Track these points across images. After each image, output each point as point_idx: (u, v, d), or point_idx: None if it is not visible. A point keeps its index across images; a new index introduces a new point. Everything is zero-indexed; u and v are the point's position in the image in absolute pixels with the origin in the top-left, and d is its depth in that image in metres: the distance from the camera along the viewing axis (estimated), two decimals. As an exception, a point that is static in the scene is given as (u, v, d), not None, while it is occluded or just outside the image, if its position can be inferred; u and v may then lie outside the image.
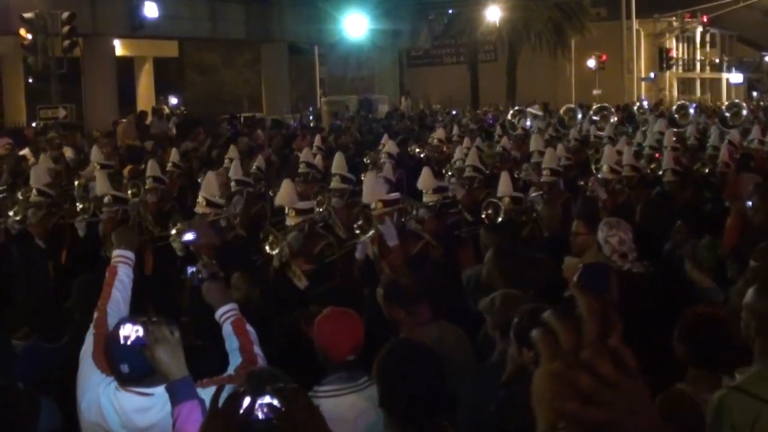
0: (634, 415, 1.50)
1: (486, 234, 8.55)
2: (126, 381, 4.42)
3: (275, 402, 3.12)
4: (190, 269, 4.98)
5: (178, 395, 4.07)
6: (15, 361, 5.89)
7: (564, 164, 13.37)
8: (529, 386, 1.55)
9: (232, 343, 4.78)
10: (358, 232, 8.91)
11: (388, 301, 6.18)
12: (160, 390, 4.41)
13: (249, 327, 4.93)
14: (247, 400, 3.11)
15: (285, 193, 9.71)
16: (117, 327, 4.34)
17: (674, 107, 29.21)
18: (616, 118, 25.99)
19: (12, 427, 4.41)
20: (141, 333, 4.12)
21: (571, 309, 1.55)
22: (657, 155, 14.57)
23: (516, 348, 4.99)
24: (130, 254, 5.23)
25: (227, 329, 4.85)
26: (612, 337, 1.51)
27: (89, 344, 4.74)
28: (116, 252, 5.20)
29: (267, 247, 8.96)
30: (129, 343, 4.15)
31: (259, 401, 3.10)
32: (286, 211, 9.45)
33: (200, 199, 10.16)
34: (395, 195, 9.73)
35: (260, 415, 3.09)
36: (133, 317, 4.33)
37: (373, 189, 9.44)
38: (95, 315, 4.91)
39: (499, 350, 5.46)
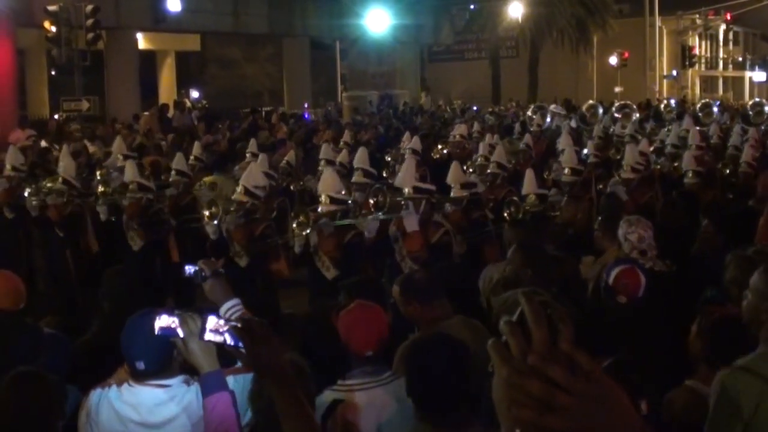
0: (602, 421, 1.46)
1: (510, 230, 8.54)
2: (142, 377, 4.48)
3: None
4: (192, 268, 4.94)
5: (210, 387, 4.11)
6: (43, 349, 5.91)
7: (592, 162, 13.36)
8: None
9: None
10: (372, 207, 8.93)
11: (404, 296, 6.17)
12: (176, 381, 4.45)
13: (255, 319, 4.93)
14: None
15: (327, 181, 9.74)
16: (142, 321, 4.38)
17: (698, 105, 29.07)
18: (637, 115, 25.89)
19: (42, 415, 4.45)
20: (176, 324, 4.15)
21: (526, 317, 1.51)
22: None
23: None
24: None
25: None
26: (563, 342, 1.48)
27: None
28: None
29: (295, 226, 9.01)
30: (162, 333, 4.19)
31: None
32: (322, 198, 9.48)
33: (239, 187, 10.24)
34: (430, 186, 9.79)
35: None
36: (169, 309, 4.35)
37: (409, 174, 9.48)
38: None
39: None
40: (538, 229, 8.77)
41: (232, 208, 10.03)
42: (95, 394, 4.61)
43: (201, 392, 4.17)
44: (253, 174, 10.65)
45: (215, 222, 9.79)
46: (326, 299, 6.99)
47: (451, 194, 10.14)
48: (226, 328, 3.18)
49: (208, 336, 3.24)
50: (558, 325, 1.49)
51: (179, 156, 13.09)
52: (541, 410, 1.44)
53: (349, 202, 10.49)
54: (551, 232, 8.78)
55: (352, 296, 5.87)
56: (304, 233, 9.00)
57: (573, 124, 24.01)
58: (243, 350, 3.06)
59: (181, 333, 4.08)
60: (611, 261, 7.00)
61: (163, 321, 4.15)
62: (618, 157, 14.83)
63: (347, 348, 5.07)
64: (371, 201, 9.07)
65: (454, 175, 10.48)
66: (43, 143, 20.19)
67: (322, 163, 13.44)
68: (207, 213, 9.87)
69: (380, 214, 8.95)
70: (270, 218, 10.86)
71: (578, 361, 1.47)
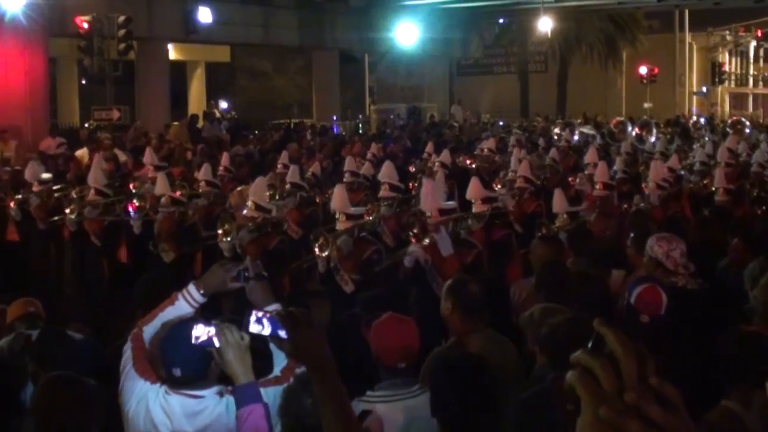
0: None
1: (539, 246, 8.53)
2: (177, 384, 4.51)
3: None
4: (237, 268, 4.98)
5: (243, 398, 4.15)
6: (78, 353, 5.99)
7: (620, 177, 13.34)
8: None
9: None
10: (413, 238, 8.91)
11: (451, 302, 6.17)
12: (209, 392, 4.48)
13: None
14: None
15: (338, 198, 9.80)
16: (184, 328, 4.41)
17: (729, 122, 29.02)
18: (654, 131, 25.84)
19: (78, 418, 4.52)
20: (212, 334, 4.17)
21: (602, 344, 1.45)
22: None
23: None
24: (201, 299, 4.98)
25: None
26: (652, 376, 1.42)
27: (128, 357, 4.78)
28: (191, 287, 4.97)
29: (317, 249, 9.05)
30: (198, 342, 4.21)
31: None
32: (337, 215, 9.54)
33: (249, 203, 10.30)
34: (452, 204, 9.78)
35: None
36: (205, 320, 4.38)
37: (432, 197, 9.48)
38: (133, 330, 4.93)
39: (540, 365, 5.48)
40: (575, 244, 8.72)
41: (249, 224, 10.08)
42: (141, 385, 4.63)
43: (235, 403, 4.21)
44: (260, 188, 10.71)
45: (228, 239, 9.84)
46: (349, 311, 7.02)
47: (473, 209, 10.14)
48: (267, 317, 3.19)
49: (252, 328, 3.25)
50: (644, 356, 1.44)
51: (206, 166, 13.16)
52: None
53: (372, 217, 10.52)
54: (586, 247, 8.71)
55: (369, 309, 5.90)
56: (324, 254, 9.04)
57: (599, 140, 24.00)
58: (285, 339, 3.06)
59: (217, 343, 4.12)
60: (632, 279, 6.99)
61: (199, 330, 4.19)
62: (647, 173, 14.84)
63: (378, 360, 5.10)
64: (410, 234, 9.05)
65: (474, 190, 10.49)
66: (80, 152, 20.39)
67: (347, 175, 13.49)
68: (220, 231, 9.93)
69: (419, 243, 8.91)
70: (283, 231, 10.90)
71: (668, 395, 1.43)
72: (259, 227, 10.12)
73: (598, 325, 1.47)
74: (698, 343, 6.02)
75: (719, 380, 5.05)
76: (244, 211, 10.40)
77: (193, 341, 4.20)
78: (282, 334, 3.02)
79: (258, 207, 10.25)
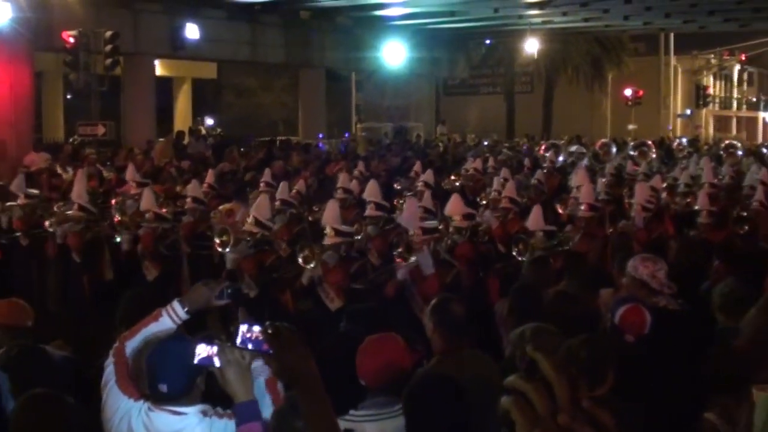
0: None
1: (528, 267, 8.55)
2: (161, 400, 4.50)
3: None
4: (220, 286, 5.02)
5: (243, 416, 4.15)
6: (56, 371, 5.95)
7: (603, 198, 13.34)
8: None
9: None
10: (398, 258, 8.94)
11: (434, 322, 6.17)
12: (192, 410, 4.48)
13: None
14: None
15: (330, 212, 9.79)
16: (173, 344, 4.41)
17: (723, 145, 29.13)
18: (654, 155, 25.95)
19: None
20: (214, 353, 4.17)
21: (535, 369, 1.49)
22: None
23: None
24: (184, 316, 5.05)
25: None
26: (585, 400, 1.46)
27: (110, 373, 4.79)
28: (175, 304, 5.05)
29: (301, 260, 9.04)
30: (199, 361, 4.21)
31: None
32: (326, 230, 9.53)
33: (250, 218, 10.28)
34: (434, 223, 9.79)
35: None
36: (207, 338, 4.38)
37: (415, 216, 9.49)
38: (115, 344, 4.95)
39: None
40: (568, 268, 8.71)
41: (247, 238, 10.08)
42: (124, 402, 4.63)
43: (234, 420, 4.22)
44: (262, 205, 10.70)
45: (227, 250, 9.82)
46: (338, 329, 7.01)
47: (451, 225, 10.17)
48: (256, 335, 3.20)
49: (239, 344, 3.27)
50: (577, 381, 1.47)
51: (194, 183, 13.14)
52: None
53: (358, 237, 10.51)
54: (577, 270, 8.69)
55: (355, 323, 5.87)
56: (309, 266, 9.03)
57: (586, 162, 24.05)
58: (270, 355, 3.06)
59: (217, 362, 4.12)
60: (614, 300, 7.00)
61: (201, 350, 4.20)
62: (629, 195, 14.85)
63: (360, 377, 5.11)
64: (395, 254, 9.08)
65: (453, 206, 10.51)
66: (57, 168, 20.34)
67: (339, 191, 13.47)
68: (218, 241, 9.92)
69: (413, 259, 8.91)
70: (279, 249, 10.88)
71: (600, 418, 1.45)
72: (256, 243, 10.12)
73: (531, 351, 1.51)
74: (681, 361, 6.05)
75: (702, 395, 5.08)
76: (245, 226, 10.39)
77: (195, 360, 4.20)
78: (267, 350, 3.02)
79: (258, 223, 10.24)
